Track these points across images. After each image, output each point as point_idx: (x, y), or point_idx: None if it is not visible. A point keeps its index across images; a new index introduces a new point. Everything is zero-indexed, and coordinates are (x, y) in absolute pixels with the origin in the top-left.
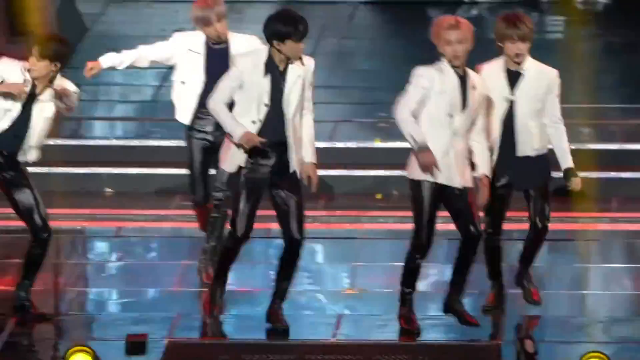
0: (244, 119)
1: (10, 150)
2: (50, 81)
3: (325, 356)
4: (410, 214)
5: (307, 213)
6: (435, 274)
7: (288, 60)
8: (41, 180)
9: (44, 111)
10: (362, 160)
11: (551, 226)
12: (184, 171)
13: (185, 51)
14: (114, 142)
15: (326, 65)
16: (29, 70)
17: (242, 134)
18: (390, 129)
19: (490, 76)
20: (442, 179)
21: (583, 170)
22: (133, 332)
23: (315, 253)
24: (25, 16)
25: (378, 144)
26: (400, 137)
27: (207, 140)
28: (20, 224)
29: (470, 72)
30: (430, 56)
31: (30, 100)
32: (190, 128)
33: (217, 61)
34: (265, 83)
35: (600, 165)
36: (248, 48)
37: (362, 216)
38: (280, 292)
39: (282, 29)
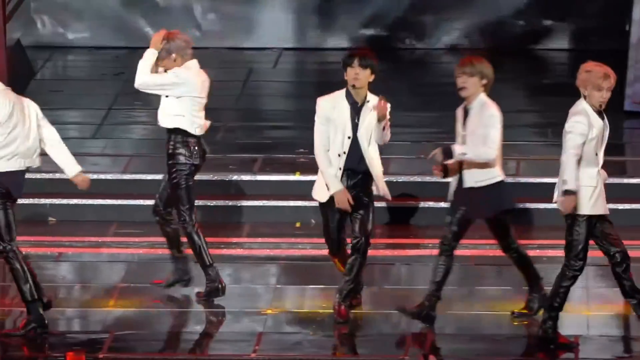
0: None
1: None
2: None
3: None
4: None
5: (232, 240)
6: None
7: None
8: None
9: None
10: (283, 192)
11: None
12: (119, 202)
13: None
14: (57, 175)
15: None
16: None
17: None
18: (309, 164)
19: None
20: (598, 210)
21: None
22: (72, 350)
23: (239, 276)
24: None
25: (298, 176)
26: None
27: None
28: None
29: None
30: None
31: None
32: None
33: None
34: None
35: None
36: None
37: (283, 242)
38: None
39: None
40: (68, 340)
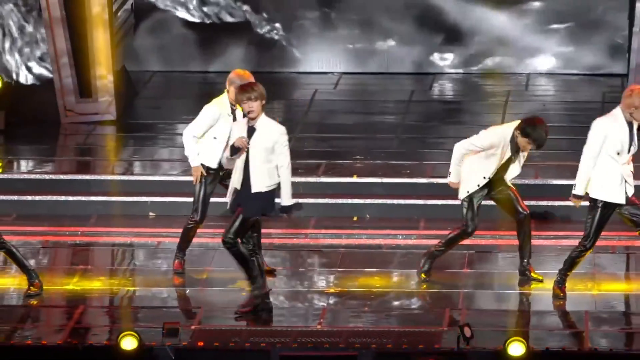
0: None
1: None
2: None
3: (312, 339)
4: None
5: (301, 231)
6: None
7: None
8: (103, 206)
9: None
10: (343, 191)
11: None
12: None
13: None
14: (156, 177)
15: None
16: None
17: None
18: (365, 168)
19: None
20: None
21: None
22: (168, 321)
23: (306, 261)
24: (90, 82)
25: (355, 178)
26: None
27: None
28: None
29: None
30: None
31: None
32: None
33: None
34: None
35: None
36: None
37: (342, 233)
38: None
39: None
40: (165, 313)
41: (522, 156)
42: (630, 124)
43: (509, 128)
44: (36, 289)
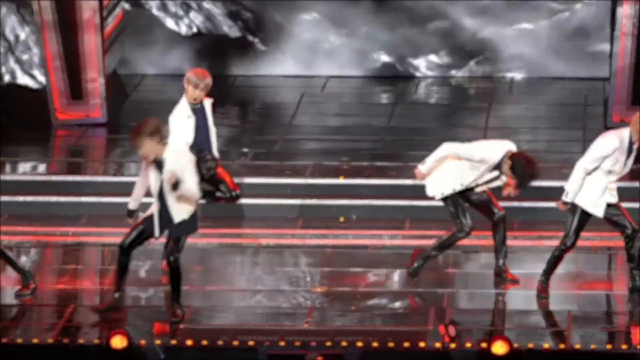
0: None
1: None
2: None
3: (299, 338)
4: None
5: (288, 231)
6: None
7: None
8: (93, 206)
9: None
10: (329, 192)
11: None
12: None
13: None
14: None
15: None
16: None
17: None
18: (351, 169)
19: None
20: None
21: None
22: (158, 320)
23: (294, 261)
24: (82, 85)
25: (342, 180)
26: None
27: None
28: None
29: None
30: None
31: None
32: None
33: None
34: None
35: None
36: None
37: (329, 234)
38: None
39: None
40: (154, 312)
41: (502, 180)
42: (630, 145)
43: (502, 149)
44: (28, 290)
